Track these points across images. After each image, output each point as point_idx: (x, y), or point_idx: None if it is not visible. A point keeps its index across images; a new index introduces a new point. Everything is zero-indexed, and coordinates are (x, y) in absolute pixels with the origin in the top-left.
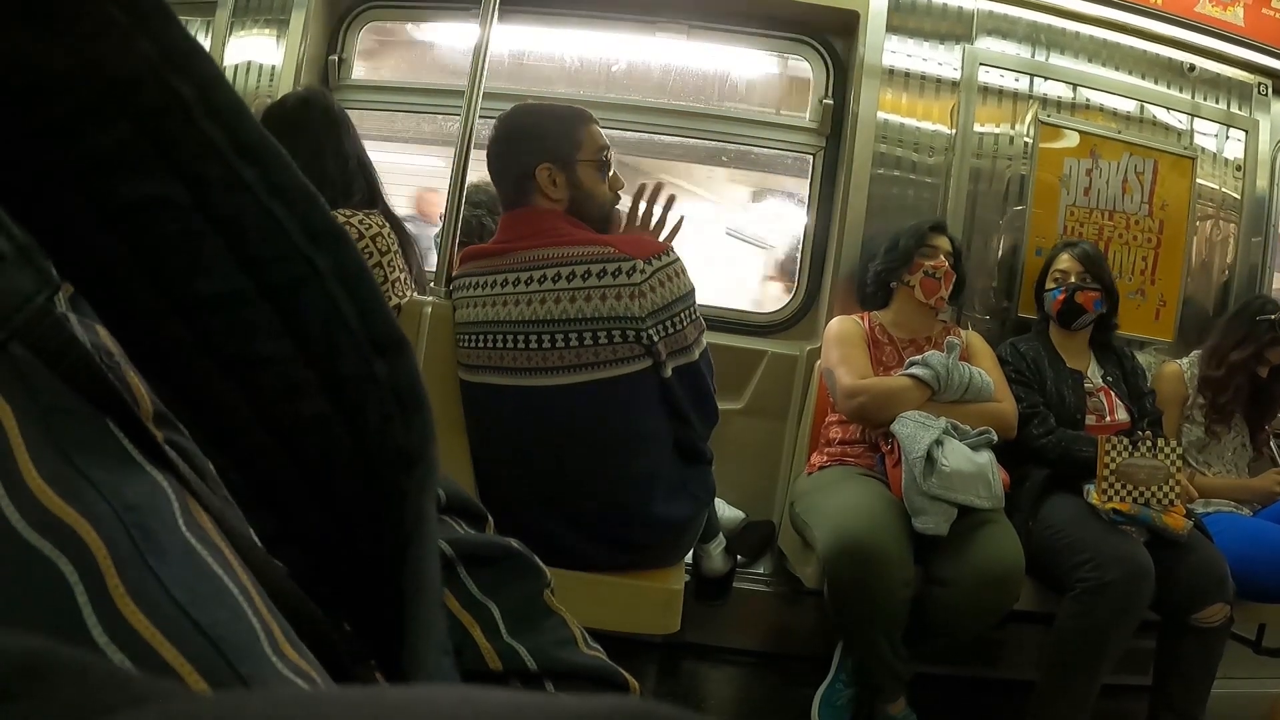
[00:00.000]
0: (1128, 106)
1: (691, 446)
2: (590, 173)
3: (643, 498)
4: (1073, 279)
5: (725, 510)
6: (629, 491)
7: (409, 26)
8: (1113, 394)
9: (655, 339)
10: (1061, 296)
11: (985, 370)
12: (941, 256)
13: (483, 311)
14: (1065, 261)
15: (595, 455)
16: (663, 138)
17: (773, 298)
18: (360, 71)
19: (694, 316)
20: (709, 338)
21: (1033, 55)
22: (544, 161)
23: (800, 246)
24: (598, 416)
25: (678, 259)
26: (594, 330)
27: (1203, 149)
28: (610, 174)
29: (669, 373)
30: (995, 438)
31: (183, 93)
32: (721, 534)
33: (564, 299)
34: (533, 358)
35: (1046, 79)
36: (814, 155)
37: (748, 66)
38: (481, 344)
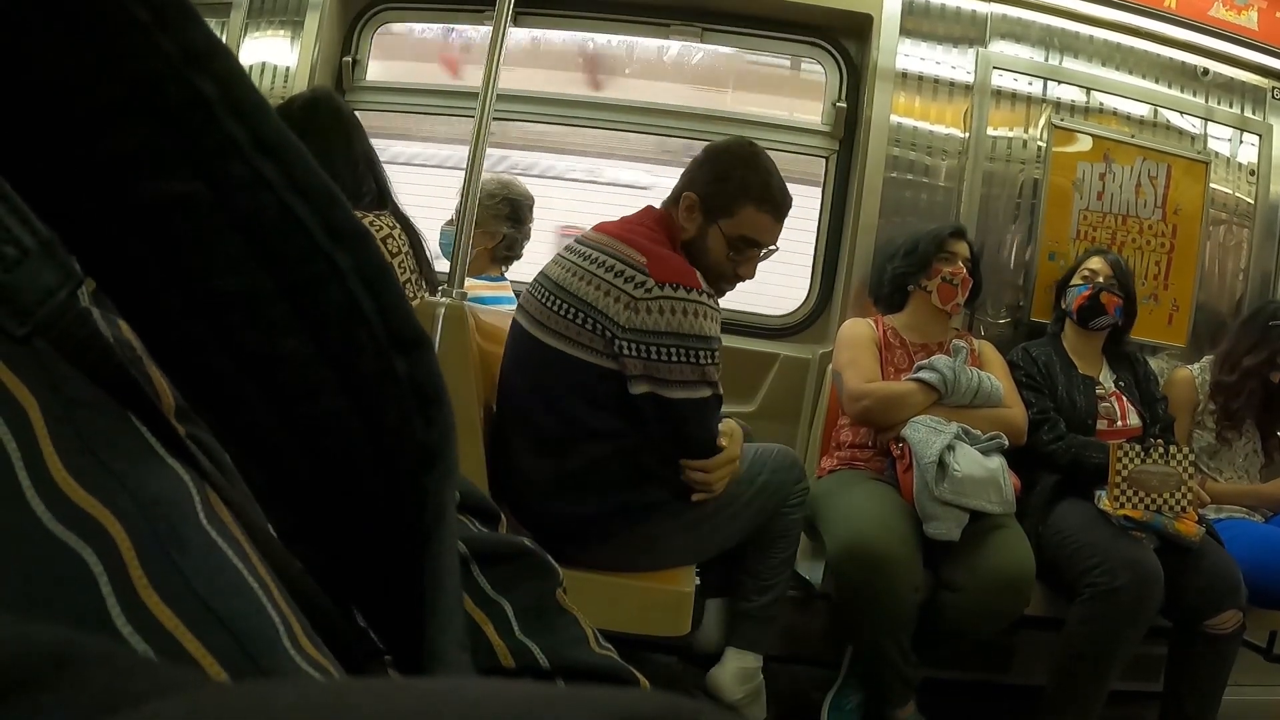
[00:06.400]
0: (1141, 110)
1: (649, 470)
2: (719, 243)
3: (562, 489)
4: (1101, 279)
5: None
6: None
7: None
8: (1125, 399)
9: (625, 352)
10: (1087, 293)
11: (995, 377)
12: (960, 263)
13: (550, 268)
14: (1097, 263)
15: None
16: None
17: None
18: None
19: (693, 360)
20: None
21: (1046, 59)
22: (690, 190)
23: (813, 250)
24: (556, 386)
25: (699, 302)
26: (581, 310)
27: (1216, 153)
28: (747, 264)
29: (636, 390)
30: (1006, 442)
31: (204, 91)
32: None
33: (578, 273)
34: (543, 313)
35: (1060, 83)
36: (827, 158)
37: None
38: (534, 293)
